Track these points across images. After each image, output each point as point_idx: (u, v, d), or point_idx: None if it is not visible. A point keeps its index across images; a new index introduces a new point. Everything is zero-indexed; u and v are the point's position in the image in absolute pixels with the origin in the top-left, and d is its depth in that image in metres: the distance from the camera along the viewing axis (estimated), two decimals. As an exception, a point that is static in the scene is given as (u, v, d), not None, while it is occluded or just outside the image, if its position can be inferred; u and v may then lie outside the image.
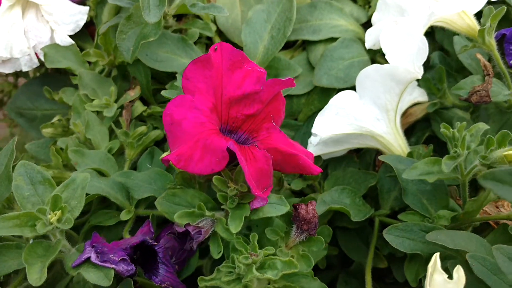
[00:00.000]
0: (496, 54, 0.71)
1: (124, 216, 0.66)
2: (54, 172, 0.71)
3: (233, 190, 0.56)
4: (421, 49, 0.65)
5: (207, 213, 0.56)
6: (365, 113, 0.72)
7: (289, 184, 0.79)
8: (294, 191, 0.80)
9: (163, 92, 0.70)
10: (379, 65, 0.69)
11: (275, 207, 0.59)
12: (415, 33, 0.65)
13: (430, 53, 0.86)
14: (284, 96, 0.79)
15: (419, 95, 0.81)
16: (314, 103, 0.84)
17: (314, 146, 0.74)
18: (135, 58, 0.73)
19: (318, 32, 0.87)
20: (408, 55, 0.67)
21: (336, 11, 0.89)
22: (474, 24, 0.71)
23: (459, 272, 0.48)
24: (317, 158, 0.78)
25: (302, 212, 0.59)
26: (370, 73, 0.70)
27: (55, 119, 0.80)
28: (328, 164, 0.83)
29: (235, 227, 0.54)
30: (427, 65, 0.88)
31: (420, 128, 0.84)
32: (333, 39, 0.85)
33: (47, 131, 0.79)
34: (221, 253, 0.56)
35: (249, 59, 0.63)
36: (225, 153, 0.56)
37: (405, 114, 0.83)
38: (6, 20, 0.83)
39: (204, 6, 0.71)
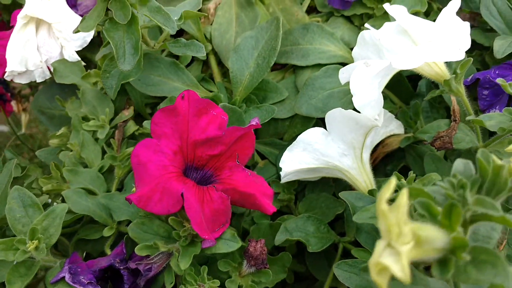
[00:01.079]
0: (465, 100, 0.72)
1: (106, 232, 0.75)
2: (52, 185, 0.81)
3: (186, 231, 0.63)
4: (377, 100, 0.68)
5: (163, 248, 0.64)
6: (332, 148, 0.76)
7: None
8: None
9: (144, 123, 0.77)
10: (342, 109, 0.73)
11: (228, 243, 0.66)
12: (374, 83, 0.67)
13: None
14: (271, 119, 0.85)
15: (395, 127, 0.83)
16: (297, 126, 0.89)
17: (283, 178, 0.79)
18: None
19: (306, 57, 0.90)
20: (370, 102, 0.70)
21: (327, 35, 0.91)
22: (443, 72, 0.72)
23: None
24: (294, 181, 0.84)
25: (250, 249, 0.66)
26: (336, 115, 0.74)
27: (60, 131, 0.89)
28: (306, 185, 0.88)
29: (184, 263, 0.62)
30: (414, 92, 0.90)
31: (397, 157, 0.87)
32: (320, 65, 0.88)
33: (53, 141, 0.89)
34: (173, 283, 0.64)
35: (215, 104, 0.69)
36: (180, 197, 0.63)
37: (382, 144, 0.86)
38: (21, 37, 0.91)
39: (185, 43, 0.76)
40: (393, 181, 0.34)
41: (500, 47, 0.76)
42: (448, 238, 0.36)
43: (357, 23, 0.95)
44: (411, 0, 0.88)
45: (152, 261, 0.63)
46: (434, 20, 0.86)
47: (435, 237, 0.36)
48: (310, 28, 0.92)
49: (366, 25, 0.79)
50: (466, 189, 0.40)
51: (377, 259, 0.32)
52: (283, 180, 0.81)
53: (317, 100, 0.84)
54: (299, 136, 0.77)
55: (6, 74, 0.93)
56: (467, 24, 0.69)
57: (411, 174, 0.67)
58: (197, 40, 0.90)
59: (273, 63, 0.84)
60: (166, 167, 0.65)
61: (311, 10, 1.02)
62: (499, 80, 0.64)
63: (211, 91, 0.89)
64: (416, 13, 0.87)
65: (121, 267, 0.66)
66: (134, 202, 0.63)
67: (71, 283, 0.63)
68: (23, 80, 0.96)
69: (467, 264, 0.40)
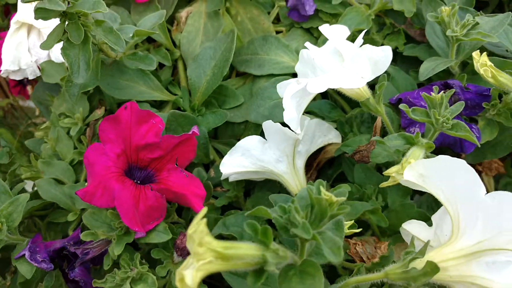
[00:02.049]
0: (385, 118, 0.79)
1: (70, 217, 0.88)
2: (31, 173, 0.94)
3: (121, 223, 0.75)
4: (296, 118, 0.76)
5: (102, 236, 0.76)
6: (268, 155, 0.85)
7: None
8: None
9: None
10: (271, 121, 0.81)
11: (160, 235, 0.77)
12: (293, 102, 0.75)
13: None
14: (227, 122, 0.94)
15: (334, 136, 0.91)
16: (251, 130, 0.97)
17: (230, 178, 0.89)
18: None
19: (262, 67, 0.98)
20: (293, 119, 0.78)
21: (283, 47, 0.99)
22: (362, 92, 0.79)
23: None
24: (241, 181, 0.93)
25: (178, 242, 0.77)
26: (269, 126, 0.83)
27: (45, 125, 1.02)
28: (256, 183, 0.98)
29: (117, 250, 0.74)
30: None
31: (337, 163, 0.95)
32: (274, 75, 0.96)
33: (38, 133, 1.02)
34: (109, 265, 0.76)
35: (155, 114, 0.79)
36: (121, 194, 0.74)
37: (323, 150, 0.94)
38: (14, 39, 1.04)
39: (140, 56, 0.86)
40: (202, 213, 0.43)
41: (424, 70, 0.82)
42: (261, 254, 0.46)
43: (316, 34, 1.02)
44: (357, 19, 0.94)
45: (91, 246, 0.75)
46: (387, 36, 0.93)
47: (245, 254, 0.45)
48: (268, 39, 1.00)
49: (306, 44, 0.86)
50: (298, 213, 0.49)
51: (180, 270, 0.42)
52: (230, 179, 0.91)
53: (264, 108, 0.93)
54: (238, 143, 0.86)
55: (1, 72, 1.06)
56: (364, 56, 0.75)
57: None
58: (165, 47, 1.01)
59: (225, 72, 0.93)
60: (109, 167, 0.76)
61: (279, 20, 1.09)
62: (401, 106, 0.71)
63: (175, 95, 1.00)
64: (361, 31, 0.93)
65: (72, 249, 0.78)
66: (80, 196, 0.75)
67: (29, 260, 0.76)
68: (17, 77, 1.09)
69: (294, 274, 0.49)
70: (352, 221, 0.68)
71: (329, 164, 0.97)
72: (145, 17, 0.92)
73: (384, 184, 0.68)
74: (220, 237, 0.83)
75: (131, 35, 0.81)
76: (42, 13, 0.73)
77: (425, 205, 0.92)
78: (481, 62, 0.71)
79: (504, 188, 0.95)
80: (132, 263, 0.75)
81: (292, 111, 0.76)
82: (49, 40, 0.76)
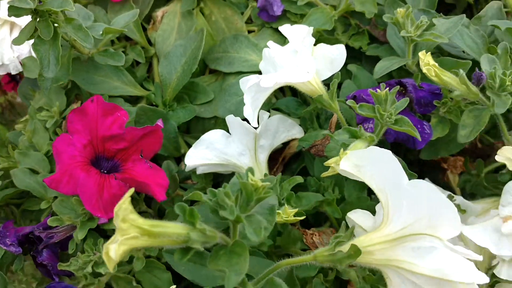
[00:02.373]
0: (339, 114, 0.83)
1: (43, 205, 0.92)
2: (9, 163, 0.99)
3: (84, 209, 0.79)
4: (253, 113, 0.80)
5: (67, 221, 0.80)
6: (231, 148, 0.89)
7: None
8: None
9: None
10: (233, 116, 0.85)
11: (122, 222, 0.81)
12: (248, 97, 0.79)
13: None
14: (198, 117, 0.99)
15: (297, 132, 0.94)
16: (220, 125, 1.01)
17: (197, 170, 0.93)
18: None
19: (232, 65, 1.02)
20: (251, 112, 0.82)
21: (251, 46, 1.03)
22: (316, 89, 0.83)
23: None
24: (209, 173, 0.98)
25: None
26: (232, 120, 0.87)
27: (24, 118, 1.07)
28: (225, 176, 1.02)
29: (80, 235, 0.78)
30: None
31: (301, 158, 0.98)
32: (242, 73, 1.00)
33: (18, 126, 1.07)
34: (74, 250, 0.80)
35: (121, 107, 0.83)
36: (85, 182, 0.79)
37: (288, 145, 0.98)
38: (-3, 36, 1.09)
39: (111, 53, 0.91)
40: (129, 193, 0.47)
41: (379, 68, 0.86)
42: (186, 232, 0.50)
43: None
44: (321, 19, 0.98)
45: (55, 231, 0.80)
46: (353, 36, 0.97)
47: (172, 232, 0.49)
48: (239, 38, 1.04)
49: (268, 43, 0.90)
50: (228, 197, 0.53)
51: (107, 244, 0.46)
52: (198, 172, 0.95)
53: (231, 104, 0.97)
54: (202, 136, 0.90)
55: (-1, 71, 1.11)
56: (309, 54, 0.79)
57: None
58: (141, 45, 1.05)
59: (194, 69, 0.98)
60: (75, 157, 0.80)
61: (252, 20, 1.13)
62: (348, 102, 0.75)
63: (149, 90, 1.04)
64: (325, 31, 0.97)
65: (37, 233, 0.83)
66: (47, 183, 0.79)
67: (-1, 243, 0.81)
68: (1, 72, 1.14)
69: (224, 254, 0.54)
70: (297, 209, 0.72)
71: (295, 158, 1.01)
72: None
73: (324, 174, 0.72)
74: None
75: (100, 32, 0.85)
76: (13, 10, 0.78)
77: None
78: (425, 62, 0.75)
79: (463, 185, 0.98)
80: (95, 247, 0.80)
81: (248, 106, 0.80)
82: (21, 36, 0.81)
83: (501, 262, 0.82)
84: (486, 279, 0.55)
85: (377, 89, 0.74)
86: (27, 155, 0.96)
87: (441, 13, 0.97)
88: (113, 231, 0.87)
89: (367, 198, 0.85)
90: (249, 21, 1.13)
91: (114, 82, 1.01)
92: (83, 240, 0.82)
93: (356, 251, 0.56)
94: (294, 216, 0.71)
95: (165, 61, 1.00)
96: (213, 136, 0.89)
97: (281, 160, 0.99)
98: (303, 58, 0.79)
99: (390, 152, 0.60)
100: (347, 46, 1.01)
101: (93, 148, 0.83)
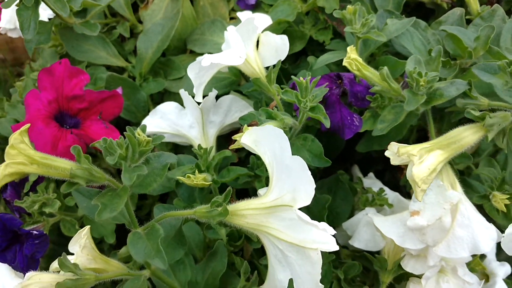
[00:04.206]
0: (276, 98, 0.90)
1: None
2: (2, 114, 1.12)
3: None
4: (196, 89, 0.88)
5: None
6: (183, 120, 0.98)
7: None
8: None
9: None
10: (183, 91, 0.94)
11: (73, 171, 0.92)
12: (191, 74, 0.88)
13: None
14: (170, 92, 1.08)
15: (250, 113, 1.02)
16: (188, 100, 1.11)
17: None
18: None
19: (204, 46, 1.11)
20: (194, 87, 0.90)
21: (225, 30, 1.10)
22: (257, 72, 0.89)
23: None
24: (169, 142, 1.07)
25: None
26: (184, 94, 0.95)
27: (23, 77, 1.21)
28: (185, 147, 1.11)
29: (33, 178, 0.90)
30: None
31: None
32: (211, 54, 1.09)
33: (18, 84, 1.20)
34: (28, 189, 0.92)
35: (85, 72, 0.94)
36: (42, 131, 0.90)
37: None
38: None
39: (90, 24, 1.02)
40: (25, 127, 0.57)
41: (320, 61, 0.92)
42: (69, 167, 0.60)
43: (260, 22, 1.13)
44: (287, 11, 1.04)
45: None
46: (319, 30, 1.03)
47: (58, 166, 0.60)
48: (215, 23, 1.12)
49: (228, 27, 0.98)
50: (121, 147, 0.62)
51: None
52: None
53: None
54: (157, 106, 0.99)
55: (1, 29, 1.25)
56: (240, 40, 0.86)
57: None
58: (130, 22, 1.16)
59: (166, 46, 1.07)
60: (39, 110, 0.92)
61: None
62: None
63: (131, 63, 1.15)
64: (287, 22, 1.03)
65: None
66: (12, 130, 0.91)
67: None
68: (14, 35, 1.28)
69: (110, 195, 0.63)
70: (205, 175, 0.79)
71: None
72: (107, -8, 1.08)
73: (231, 147, 0.79)
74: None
75: (79, 4, 0.96)
76: (3, -21, 0.90)
77: (326, 188, 1.02)
78: (347, 56, 0.80)
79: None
80: (46, 191, 0.91)
81: (193, 82, 0.89)
82: (9, 0, 0.93)
83: (408, 256, 0.86)
84: (335, 247, 0.61)
85: (304, 79, 0.80)
86: (15, 108, 1.09)
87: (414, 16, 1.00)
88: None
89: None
90: (236, 8, 1.21)
91: (100, 52, 1.12)
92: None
93: (224, 211, 0.63)
94: (224, 188, 0.76)
95: (143, 37, 1.10)
96: (166, 107, 0.99)
97: (237, 139, 1.06)
98: (238, 43, 0.86)
99: (281, 130, 0.65)
100: (312, 39, 1.07)
101: (58, 105, 0.94)
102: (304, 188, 0.62)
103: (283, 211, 0.65)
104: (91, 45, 1.12)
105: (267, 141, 0.68)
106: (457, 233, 0.78)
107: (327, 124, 0.78)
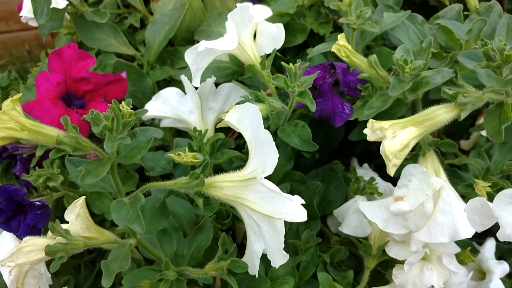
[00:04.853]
0: (271, 85, 0.92)
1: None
2: (18, 96, 1.19)
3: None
4: (194, 72, 0.92)
5: (34, 141, 0.98)
6: (184, 106, 1.02)
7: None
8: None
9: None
10: (184, 77, 0.98)
11: (77, 149, 0.97)
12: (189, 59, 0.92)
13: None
14: (176, 80, 1.13)
15: (248, 101, 1.05)
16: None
17: (161, 123, 1.07)
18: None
19: (209, 37, 1.14)
20: (193, 72, 0.94)
21: (229, 22, 1.14)
22: (252, 59, 0.93)
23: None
24: (172, 128, 1.11)
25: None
26: (184, 80, 1.00)
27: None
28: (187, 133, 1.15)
29: (39, 153, 0.95)
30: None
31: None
32: (217, 44, 1.13)
33: (35, 69, 1.27)
34: (35, 164, 0.98)
35: (92, 56, 0.99)
36: (49, 110, 0.96)
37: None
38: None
39: (100, 12, 1.07)
40: (18, 96, 0.62)
41: (316, 50, 0.94)
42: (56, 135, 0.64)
43: (265, 15, 1.17)
44: (288, 4, 1.07)
45: (20, 146, 0.98)
46: (321, 24, 1.06)
47: (47, 133, 0.64)
48: (222, 15, 1.16)
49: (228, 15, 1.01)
50: (107, 119, 0.66)
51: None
52: (162, 125, 1.09)
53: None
54: (160, 91, 1.04)
55: (22, 18, 1.33)
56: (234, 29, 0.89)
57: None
58: (142, 13, 1.21)
59: (172, 36, 1.12)
60: (48, 90, 0.98)
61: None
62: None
63: (140, 51, 1.20)
64: (287, 14, 1.07)
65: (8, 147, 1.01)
66: (23, 108, 0.97)
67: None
68: (34, 23, 1.35)
69: (97, 163, 0.67)
70: (194, 153, 0.83)
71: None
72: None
73: (219, 125, 0.82)
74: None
75: (90, -7, 1.02)
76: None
77: (320, 177, 1.04)
78: (336, 42, 0.82)
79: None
80: (51, 166, 0.97)
81: (190, 67, 0.93)
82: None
83: (392, 241, 0.87)
84: (304, 217, 0.63)
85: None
86: (30, 90, 1.16)
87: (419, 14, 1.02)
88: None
89: (286, 165, 0.94)
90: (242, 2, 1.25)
91: (111, 40, 1.18)
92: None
93: (201, 181, 0.67)
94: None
95: (152, 27, 1.15)
96: (168, 93, 1.03)
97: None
98: (231, 29, 0.89)
99: (257, 108, 0.69)
100: (313, 33, 1.10)
101: (66, 86, 1.00)
102: (270, 159, 0.65)
103: (256, 184, 0.68)
104: (103, 33, 1.17)
105: (247, 118, 0.71)
106: (438, 219, 0.79)
107: (312, 108, 0.80)
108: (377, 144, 1.17)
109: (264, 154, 0.65)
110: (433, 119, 0.73)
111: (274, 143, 0.64)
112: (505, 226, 0.54)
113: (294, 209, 0.64)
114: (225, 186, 0.69)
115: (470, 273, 0.93)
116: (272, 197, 0.65)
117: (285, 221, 0.65)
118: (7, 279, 0.72)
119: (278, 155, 0.64)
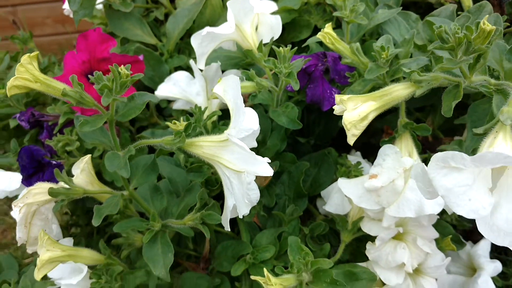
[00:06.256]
0: (267, 70, 1.02)
1: (61, 107, 1.25)
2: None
3: (67, 104, 1.09)
4: (199, 55, 1.03)
5: (57, 110, 1.11)
6: (192, 88, 1.13)
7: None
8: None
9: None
10: (192, 61, 1.09)
11: (94, 120, 1.09)
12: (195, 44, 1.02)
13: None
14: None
15: (252, 87, 1.14)
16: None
17: (174, 105, 1.18)
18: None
19: (222, 29, 1.25)
20: (198, 56, 1.05)
21: (243, 17, 1.25)
22: (251, 45, 1.02)
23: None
24: (183, 111, 1.22)
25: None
26: (193, 64, 1.10)
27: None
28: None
29: (61, 121, 1.08)
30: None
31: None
32: (228, 36, 1.23)
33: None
34: (57, 131, 1.10)
35: (113, 39, 1.12)
36: (73, 84, 1.09)
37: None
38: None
39: (126, 3, 1.20)
40: (24, 59, 0.74)
41: (310, 40, 1.02)
42: (62, 89, 0.75)
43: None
44: (292, 0, 1.16)
45: (46, 114, 1.11)
46: (325, 21, 1.15)
47: (56, 87, 0.75)
48: (236, 10, 1.27)
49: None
50: (108, 80, 0.77)
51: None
52: (174, 107, 1.20)
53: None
54: (171, 74, 1.15)
55: (65, 11, 1.49)
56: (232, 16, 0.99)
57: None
58: (168, 8, 1.34)
59: (188, 27, 1.23)
60: (74, 67, 1.11)
61: None
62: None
63: (161, 41, 1.32)
64: (291, 9, 1.15)
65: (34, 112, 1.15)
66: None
67: (16, 118, 1.15)
68: (74, 16, 1.51)
69: (87, 121, 0.78)
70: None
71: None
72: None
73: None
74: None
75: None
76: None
77: (313, 161, 1.11)
78: (322, 30, 0.90)
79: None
80: (71, 133, 1.09)
81: (195, 50, 1.04)
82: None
83: (366, 218, 0.93)
84: (270, 173, 0.70)
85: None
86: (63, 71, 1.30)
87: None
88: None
89: (279, 145, 1.02)
90: None
91: (137, 30, 1.31)
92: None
93: (183, 139, 0.76)
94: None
95: (172, 19, 1.27)
96: (178, 76, 1.14)
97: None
98: (230, 16, 0.99)
99: (237, 78, 0.77)
100: (317, 28, 1.18)
101: (90, 65, 1.13)
102: (241, 119, 0.73)
103: (233, 144, 0.76)
104: (130, 24, 1.30)
105: (231, 88, 0.80)
106: (407, 195, 0.84)
107: (295, 87, 0.88)
108: (376, 137, 1.24)
109: (238, 117, 0.74)
110: (391, 94, 0.79)
111: (244, 107, 0.72)
112: (438, 188, 0.60)
113: (262, 166, 0.72)
114: (205, 145, 0.78)
115: (447, 258, 0.96)
116: (246, 158, 0.73)
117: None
118: (17, 216, 0.84)
119: (246, 116, 0.72)
